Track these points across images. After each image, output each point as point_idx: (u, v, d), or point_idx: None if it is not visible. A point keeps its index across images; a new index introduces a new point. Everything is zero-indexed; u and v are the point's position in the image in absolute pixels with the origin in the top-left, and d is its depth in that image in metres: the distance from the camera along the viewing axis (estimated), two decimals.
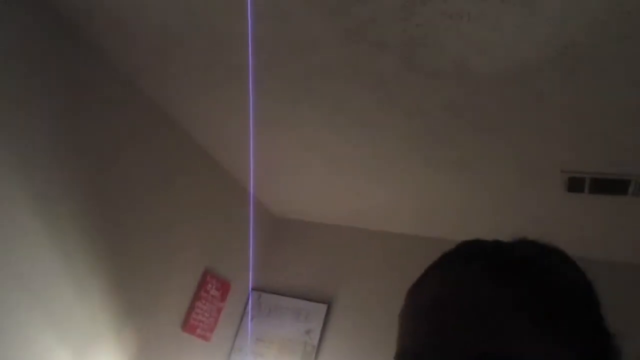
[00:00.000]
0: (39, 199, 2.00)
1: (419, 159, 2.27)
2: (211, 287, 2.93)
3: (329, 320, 2.98)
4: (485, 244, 0.49)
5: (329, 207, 3.10)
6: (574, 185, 2.05)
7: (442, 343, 0.41)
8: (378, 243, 3.12)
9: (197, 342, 2.83)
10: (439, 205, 2.63)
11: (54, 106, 2.05)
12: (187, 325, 2.76)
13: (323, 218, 3.29)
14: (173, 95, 2.40)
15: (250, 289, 3.24)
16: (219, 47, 1.94)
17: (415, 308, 0.46)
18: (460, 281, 0.44)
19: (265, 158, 2.71)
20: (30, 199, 1.97)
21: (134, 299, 2.45)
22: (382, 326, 2.89)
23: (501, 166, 2.14)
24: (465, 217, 2.63)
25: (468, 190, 2.40)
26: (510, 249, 0.47)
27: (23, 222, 1.95)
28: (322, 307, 3.01)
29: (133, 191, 2.44)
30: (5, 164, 1.88)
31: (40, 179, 2.01)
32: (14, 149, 1.91)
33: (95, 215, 2.25)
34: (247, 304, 3.21)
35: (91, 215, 2.23)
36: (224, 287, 3.04)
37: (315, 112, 2.17)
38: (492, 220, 2.55)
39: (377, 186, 2.64)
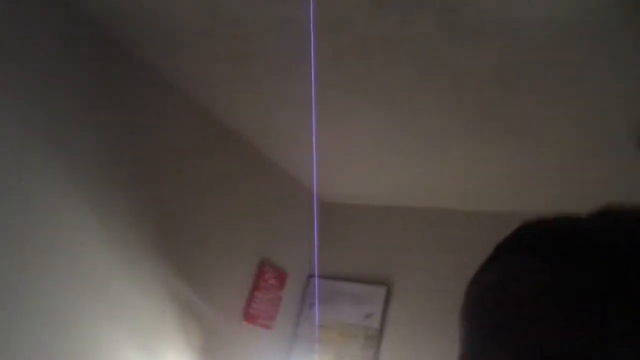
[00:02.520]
0: (103, 206, 2.06)
1: (466, 131, 2.13)
2: (269, 276, 2.95)
3: (390, 302, 2.92)
4: (547, 225, 0.40)
5: (377, 188, 3.01)
6: None
7: (499, 350, 0.35)
8: (432, 221, 3.01)
9: (258, 331, 2.87)
10: (495, 178, 2.47)
11: (111, 122, 2.10)
12: (248, 315, 2.80)
13: (373, 200, 3.21)
14: (218, 94, 2.39)
15: (307, 276, 3.24)
16: (246, 34, 1.89)
17: (470, 307, 0.41)
18: (518, 277, 0.37)
19: (308, 145, 2.67)
20: (94, 207, 2.03)
21: (196, 294, 2.51)
22: (444, 305, 2.79)
23: (561, 131, 1.96)
24: (525, 188, 2.47)
25: (525, 161, 2.24)
26: (581, 228, 0.38)
27: (89, 229, 2.02)
28: (381, 290, 2.95)
29: (189, 189, 2.48)
30: (69, 179, 1.94)
31: (103, 189, 2.07)
32: (77, 162, 1.97)
33: (155, 216, 2.30)
34: (305, 290, 3.21)
35: (151, 216, 2.28)
36: (281, 276, 3.05)
37: (352, 93, 2.09)
38: (555, 189, 2.37)
39: (425, 162, 2.52)
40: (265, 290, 2.92)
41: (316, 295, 3.16)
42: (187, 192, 2.49)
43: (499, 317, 0.37)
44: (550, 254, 0.36)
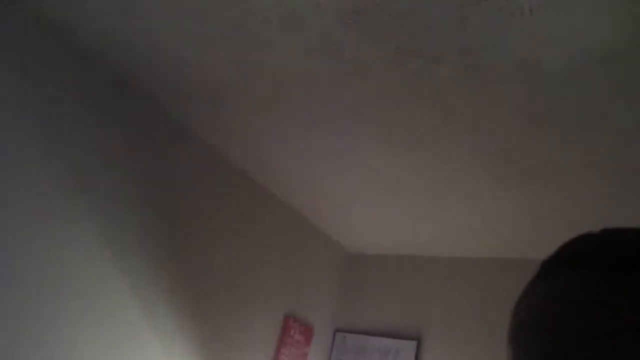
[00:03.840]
0: (121, 254, 2.06)
1: (489, 176, 2.10)
2: (294, 331, 2.86)
3: (421, 357, 2.79)
4: (591, 239, 0.39)
5: (403, 237, 2.96)
6: None
7: None
8: (460, 270, 2.92)
9: None
10: (525, 223, 2.41)
11: (135, 166, 2.14)
12: None
13: (399, 249, 3.15)
14: (240, 144, 2.43)
15: (334, 330, 3.13)
16: (274, 87, 1.94)
17: (518, 329, 0.40)
18: (564, 292, 0.36)
19: (331, 194, 2.66)
20: (117, 255, 2.03)
21: (220, 352, 2.43)
22: (478, 357, 2.65)
23: (591, 172, 1.92)
24: (556, 232, 2.39)
25: (553, 205, 2.18)
26: (627, 240, 0.37)
27: (113, 277, 2.01)
28: (412, 344, 2.82)
29: (211, 241, 2.47)
30: (90, 227, 1.96)
31: (123, 236, 2.08)
32: (94, 206, 2.00)
33: (176, 270, 2.28)
34: (332, 346, 3.09)
35: (172, 270, 2.27)
36: (307, 331, 2.95)
37: (373, 141, 2.10)
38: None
39: (451, 210, 2.48)
40: (291, 347, 2.82)
41: (334, 351, 3.03)
42: (211, 245, 2.48)
43: (551, 336, 0.35)
44: (599, 267, 0.35)
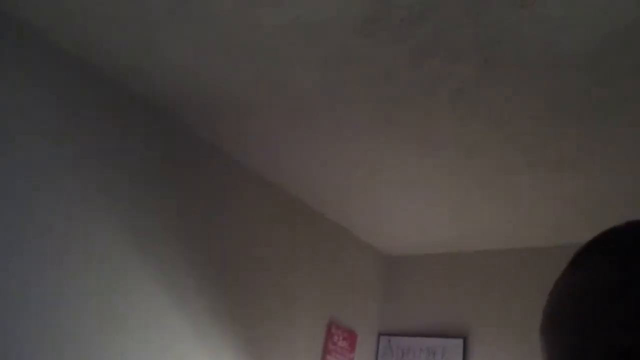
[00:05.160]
0: (164, 270, 2.14)
1: (522, 164, 2.08)
2: (338, 338, 2.88)
3: (468, 354, 2.76)
4: (618, 230, 0.42)
5: (440, 235, 2.95)
6: None
7: (580, 347, 0.37)
8: (501, 263, 2.88)
9: None
10: (564, 208, 2.37)
11: (172, 184, 2.23)
12: None
13: (437, 248, 3.13)
14: (271, 157, 2.48)
15: (378, 334, 3.13)
16: (296, 101, 1.99)
17: (551, 317, 0.43)
18: (596, 278, 0.39)
19: (363, 199, 2.68)
20: (158, 273, 2.11)
21: None
22: (527, 350, 2.60)
23: (625, 152, 1.88)
24: (597, 216, 2.34)
25: (582, 191, 2.14)
26: None
27: (150, 290, 2.08)
28: (458, 342, 2.80)
29: (250, 255, 2.52)
30: (132, 250, 2.05)
31: (164, 255, 2.15)
32: (129, 233, 2.09)
33: (217, 284, 2.34)
34: (377, 350, 3.10)
35: (214, 283, 2.33)
36: (351, 337, 2.96)
37: (398, 143, 2.11)
38: (627, 215, 2.24)
39: (480, 204, 2.46)
40: (336, 354, 2.84)
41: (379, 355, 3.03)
42: (250, 258, 2.53)
43: (583, 320, 0.37)
44: (629, 254, 0.38)
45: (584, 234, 2.47)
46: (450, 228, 2.82)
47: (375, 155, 2.24)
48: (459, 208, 2.55)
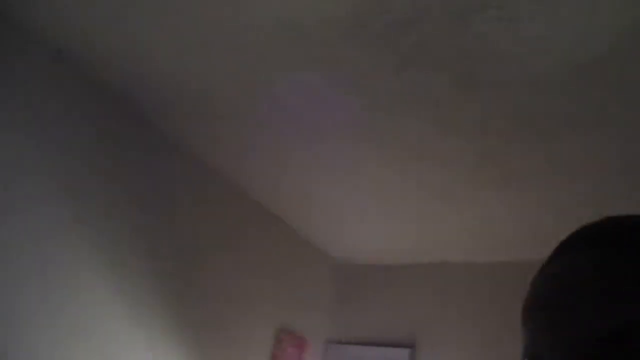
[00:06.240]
0: (112, 265, 2.00)
1: (480, 181, 2.13)
2: (287, 344, 2.82)
3: None
4: (596, 225, 0.44)
5: (394, 245, 2.97)
6: None
7: (562, 331, 0.38)
8: (452, 276, 2.94)
9: None
10: (514, 225, 2.45)
11: (125, 178, 2.09)
12: None
13: (390, 258, 3.15)
14: (228, 154, 2.40)
15: (326, 342, 3.10)
16: (268, 100, 1.93)
17: (531, 306, 0.44)
18: (576, 265, 0.41)
19: (321, 205, 2.65)
20: (109, 268, 1.97)
21: None
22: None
23: (593, 169, 1.95)
24: (547, 235, 2.44)
25: (545, 207, 2.23)
26: (628, 223, 0.43)
27: (101, 292, 1.95)
28: (405, 352, 2.82)
29: (200, 255, 2.42)
30: (87, 243, 1.90)
31: (116, 246, 2.02)
32: (89, 220, 1.94)
33: (165, 284, 2.23)
34: (325, 357, 3.06)
35: (161, 284, 2.21)
36: (301, 344, 2.91)
37: (368, 150, 2.10)
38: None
39: (440, 216, 2.50)
40: None
41: None
42: (200, 259, 2.43)
43: (556, 306, 0.39)
44: (605, 246, 0.40)
45: (543, 251, 2.57)
46: (408, 239, 2.85)
47: (342, 161, 2.22)
48: (420, 219, 2.58)
